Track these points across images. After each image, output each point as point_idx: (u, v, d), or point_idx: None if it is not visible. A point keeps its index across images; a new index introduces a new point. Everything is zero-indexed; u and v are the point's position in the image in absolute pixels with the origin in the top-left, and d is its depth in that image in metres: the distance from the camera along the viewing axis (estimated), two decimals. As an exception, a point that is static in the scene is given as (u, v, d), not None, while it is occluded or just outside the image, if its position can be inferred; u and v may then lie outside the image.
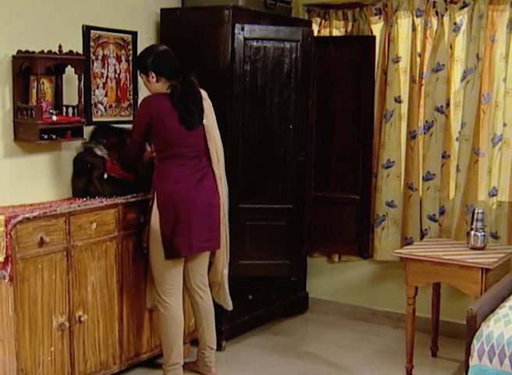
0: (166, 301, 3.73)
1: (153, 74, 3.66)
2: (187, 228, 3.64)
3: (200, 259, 3.86)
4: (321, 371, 4.12)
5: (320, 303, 5.16)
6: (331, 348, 4.47)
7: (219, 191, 3.82)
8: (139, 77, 4.29)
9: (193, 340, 4.21)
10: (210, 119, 3.79)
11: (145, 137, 3.74)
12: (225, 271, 3.99)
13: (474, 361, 3.10)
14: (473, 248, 3.97)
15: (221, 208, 3.84)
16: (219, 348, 4.23)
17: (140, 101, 4.31)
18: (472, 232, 3.99)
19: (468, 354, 3.16)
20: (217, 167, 3.81)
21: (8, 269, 3.16)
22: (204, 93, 3.79)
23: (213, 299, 4.01)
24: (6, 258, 3.16)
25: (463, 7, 4.39)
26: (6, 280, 3.17)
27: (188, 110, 3.65)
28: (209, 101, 3.81)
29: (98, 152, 3.84)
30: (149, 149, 3.89)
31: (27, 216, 3.23)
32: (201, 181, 3.72)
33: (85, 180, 3.83)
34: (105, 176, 3.82)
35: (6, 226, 3.15)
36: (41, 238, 3.31)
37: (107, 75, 4.15)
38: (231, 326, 4.41)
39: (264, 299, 4.73)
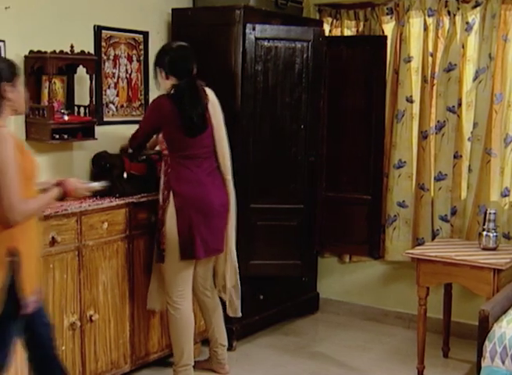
0: (178, 303, 3.73)
1: (163, 73, 3.67)
2: (204, 230, 3.64)
3: (209, 262, 3.87)
4: (331, 372, 4.11)
5: (331, 303, 5.15)
6: (342, 349, 4.46)
7: (228, 192, 3.81)
8: (150, 77, 4.33)
9: (203, 339, 4.22)
10: (217, 118, 3.75)
11: (152, 134, 3.78)
12: (232, 275, 3.93)
13: (486, 362, 3.09)
14: (485, 249, 3.95)
15: (230, 209, 3.82)
16: (230, 347, 4.22)
17: (151, 100, 4.35)
18: (484, 232, 3.97)
19: (480, 355, 3.14)
20: (224, 167, 3.79)
21: (20, 269, 3.15)
22: (210, 92, 3.75)
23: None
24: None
25: (475, 6, 4.37)
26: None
27: (188, 117, 3.60)
28: (216, 100, 3.76)
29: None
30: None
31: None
32: (214, 182, 3.72)
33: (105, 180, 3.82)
34: (125, 175, 3.83)
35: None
36: (53, 238, 3.32)
37: (118, 75, 4.16)
38: (242, 326, 4.41)
39: (275, 299, 4.73)
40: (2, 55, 3.49)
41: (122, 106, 4.21)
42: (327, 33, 4.88)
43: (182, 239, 3.62)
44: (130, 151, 3.93)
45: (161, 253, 3.70)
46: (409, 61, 4.61)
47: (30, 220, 2.77)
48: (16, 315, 2.73)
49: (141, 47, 4.29)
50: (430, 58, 4.56)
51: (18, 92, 2.77)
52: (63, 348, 3.41)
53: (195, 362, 3.99)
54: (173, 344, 3.81)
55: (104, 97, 4.08)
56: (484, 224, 3.99)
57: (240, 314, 4.02)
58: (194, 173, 3.65)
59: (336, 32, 4.93)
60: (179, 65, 3.67)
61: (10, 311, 2.71)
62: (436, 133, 4.55)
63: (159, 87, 3.77)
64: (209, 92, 3.74)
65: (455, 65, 4.44)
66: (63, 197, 2.99)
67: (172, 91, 3.63)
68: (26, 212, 2.70)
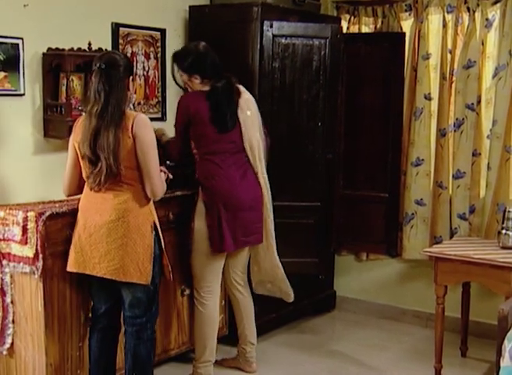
0: (206, 299, 3.76)
1: (196, 76, 3.69)
2: (233, 223, 3.67)
3: (241, 255, 3.89)
4: (350, 371, 4.09)
5: (348, 301, 5.13)
6: (359, 347, 4.44)
7: (261, 186, 3.82)
8: (167, 74, 4.33)
9: (219, 337, 4.22)
10: (251, 115, 3.78)
11: (186, 135, 3.75)
12: (276, 269, 3.97)
13: (505, 362, 3.05)
14: (504, 248, 3.91)
15: (264, 203, 3.84)
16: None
17: (168, 98, 4.36)
18: (503, 231, 3.92)
19: (499, 355, 3.11)
20: (255, 162, 3.80)
21: (39, 265, 3.18)
22: (243, 89, 3.79)
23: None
24: (36, 254, 3.19)
25: (495, 2, 4.33)
26: (36, 276, 3.20)
27: (222, 114, 3.67)
28: (251, 97, 3.82)
29: None
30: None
31: (57, 211, 3.25)
32: (244, 176, 3.75)
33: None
34: None
35: (37, 222, 3.18)
36: (70, 234, 3.33)
37: (136, 72, 4.15)
38: (259, 324, 4.38)
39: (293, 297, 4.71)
40: (20, 52, 3.51)
41: (139, 103, 4.21)
42: (345, 30, 4.86)
43: (211, 233, 3.66)
44: (172, 164, 3.81)
45: (189, 248, 3.75)
46: (427, 58, 4.57)
47: None
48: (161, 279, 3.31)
49: (158, 44, 4.30)
50: (449, 55, 4.52)
51: (133, 84, 3.32)
52: (80, 344, 3.40)
53: (221, 359, 4.00)
54: (196, 340, 3.83)
55: (121, 94, 4.09)
56: (503, 223, 3.95)
57: (291, 298, 4.11)
58: (222, 169, 3.68)
59: (354, 29, 4.91)
60: (213, 67, 3.71)
61: (160, 276, 3.28)
62: (455, 131, 4.52)
63: (188, 87, 3.79)
64: (242, 89, 3.79)
65: (474, 62, 4.40)
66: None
67: (209, 89, 3.67)
68: (164, 189, 3.25)
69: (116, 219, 3.09)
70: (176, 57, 3.81)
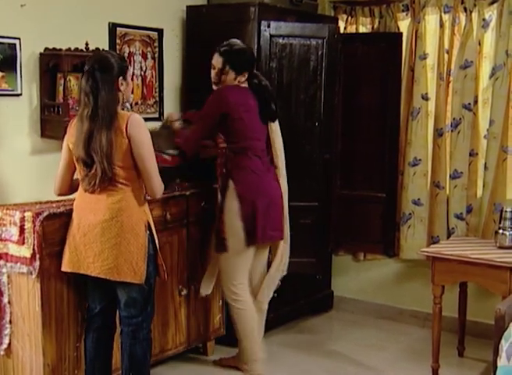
0: (241, 296, 3.74)
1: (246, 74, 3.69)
2: (263, 216, 3.66)
3: (263, 254, 3.87)
4: (347, 370, 4.09)
5: (345, 301, 5.14)
6: (356, 347, 4.44)
7: (280, 185, 3.85)
8: (165, 74, 4.33)
9: (217, 337, 4.22)
10: None
11: (214, 127, 3.72)
12: (283, 265, 3.97)
13: (502, 361, 3.05)
14: (501, 247, 3.92)
15: (284, 202, 3.87)
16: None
17: (165, 98, 4.36)
18: (500, 231, 3.93)
19: (496, 354, 3.11)
20: (279, 162, 3.84)
21: (36, 265, 3.18)
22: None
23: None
24: (33, 254, 3.18)
25: (492, 3, 4.33)
26: (33, 276, 3.20)
27: (268, 104, 3.73)
28: None
29: None
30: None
31: (54, 212, 3.25)
32: (269, 173, 3.79)
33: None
34: None
35: (34, 222, 3.17)
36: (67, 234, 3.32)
37: (133, 72, 4.16)
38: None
39: (290, 297, 4.71)
40: (17, 52, 3.51)
41: (136, 104, 4.21)
42: (342, 30, 4.87)
43: (246, 225, 3.65)
44: (175, 153, 3.80)
45: (222, 242, 3.70)
46: (424, 58, 4.58)
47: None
48: (155, 278, 3.30)
49: (156, 44, 4.29)
50: (446, 56, 4.53)
51: (127, 84, 3.18)
52: (78, 344, 3.40)
53: (220, 358, 4.01)
54: (244, 339, 3.78)
55: (118, 94, 4.08)
56: (500, 222, 3.95)
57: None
58: (254, 163, 3.71)
59: (351, 29, 4.91)
60: (251, 61, 3.77)
61: (154, 276, 3.26)
62: (452, 131, 4.52)
63: (220, 81, 3.71)
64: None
65: (471, 62, 4.41)
66: None
67: (256, 83, 3.72)
68: (163, 189, 3.23)
69: (110, 218, 3.09)
70: (233, 54, 3.71)
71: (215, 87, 3.72)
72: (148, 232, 3.18)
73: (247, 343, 3.78)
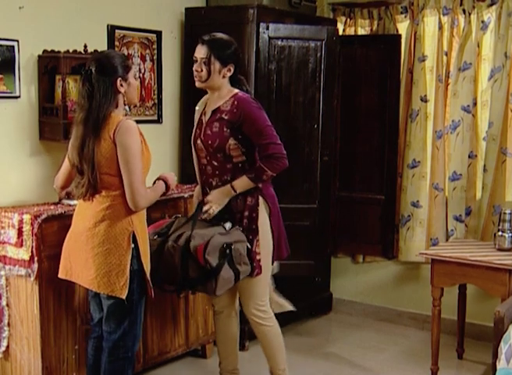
0: (270, 313, 3.51)
1: (231, 66, 3.34)
2: (284, 231, 3.54)
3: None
4: (345, 373, 4.09)
5: (344, 304, 5.13)
6: (355, 349, 4.44)
7: None
8: (164, 76, 4.32)
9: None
10: None
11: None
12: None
13: (501, 364, 3.05)
14: (500, 250, 3.91)
15: None
16: (242, 348, 4.21)
17: (164, 100, 4.35)
18: (499, 233, 3.93)
19: (495, 357, 3.11)
20: None
21: (34, 268, 3.18)
22: None
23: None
24: (31, 257, 3.18)
25: (491, 5, 4.33)
26: (31, 279, 3.20)
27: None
28: None
29: None
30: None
31: (52, 214, 3.25)
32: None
33: None
34: None
35: (32, 224, 3.18)
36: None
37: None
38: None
39: (288, 299, 4.69)
40: (16, 54, 3.50)
41: (135, 106, 4.20)
42: (341, 32, 4.87)
43: (274, 241, 3.43)
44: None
45: (257, 264, 3.36)
46: (423, 60, 4.58)
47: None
48: (142, 296, 3.08)
49: (154, 46, 4.29)
50: (445, 58, 4.53)
51: (129, 85, 3.01)
52: (76, 347, 3.40)
53: None
54: (276, 353, 3.56)
55: (117, 96, 4.08)
56: (499, 224, 3.95)
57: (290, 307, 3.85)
58: None
59: (350, 31, 4.91)
60: (236, 53, 3.42)
61: (139, 293, 3.04)
62: (451, 133, 4.52)
63: (213, 82, 3.33)
64: None
65: (470, 64, 4.41)
66: (167, 191, 3.20)
67: (242, 89, 3.39)
68: (148, 199, 2.99)
69: (93, 226, 2.94)
70: (217, 42, 3.34)
71: (200, 85, 3.35)
72: (133, 245, 2.97)
73: (279, 356, 3.57)
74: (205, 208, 3.36)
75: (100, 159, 2.91)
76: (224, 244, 3.21)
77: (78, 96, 3.06)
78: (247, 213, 3.35)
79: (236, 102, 3.30)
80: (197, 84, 3.37)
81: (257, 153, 3.34)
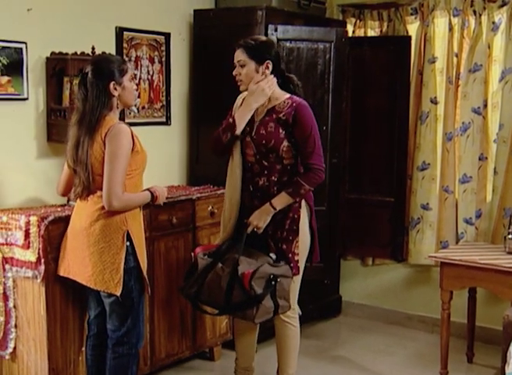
0: (296, 314, 3.60)
1: (269, 64, 3.34)
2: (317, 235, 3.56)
3: None
4: (353, 376, 4.08)
5: (353, 306, 5.11)
6: (364, 353, 4.42)
7: None
8: (172, 78, 4.32)
9: (224, 342, 4.20)
10: None
11: None
12: None
13: (510, 368, 3.01)
14: (510, 253, 3.88)
15: None
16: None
17: (172, 102, 4.35)
18: (510, 236, 3.90)
19: (505, 361, 3.09)
20: None
21: (41, 269, 3.18)
22: None
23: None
24: (38, 259, 3.19)
25: (502, 6, 4.30)
26: (38, 280, 3.20)
27: None
28: None
29: None
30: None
31: (59, 216, 3.25)
32: None
33: None
34: None
35: (39, 226, 3.18)
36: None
37: (140, 76, 4.16)
38: (263, 329, 4.37)
39: (297, 302, 4.68)
40: (24, 57, 3.51)
41: (143, 108, 4.21)
42: (350, 33, 4.85)
43: (315, 243, 3.51)
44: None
45: (295, 265, 3.42)
46: (433, 61, 4.55)
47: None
48: (142, 294, 3.16)
49: (163, 48, 4.29)
50: (455, 59, 4.50)
51: (124, 88, 3.04)
52: (83, 348, 3.39)
53: None
54: (291, 355, 3.63)
55: (125, 98, 4.08)
56: (509, 227, 3.93)
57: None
58: None
59: (360, 33, 4.90)
60: (271, 48, 3.42)
61: (139, 290, 3.12)
62: (461, 135, 4.49)
63: (251, 82, 3.34)
64: None
65: (480, 65, 4.38)
66: (153, 202, 3.19)
67: (290, 87, 3.44)
68: (122, 201, 2.97)
69: (89, 226, 3.03)
70: (249, 43, 3.35)
71: (244, 89, 3.38)
72: (128, 243, 3.05)
73: (291, 358, 3.63)
74: (249, 229, 3.37)
75: (93, 161, 3.00)
76: (271, 275, 3.25)
77: (75, 99, 3.11)
78: (291, 214, 3.38)
79: (294, 104, 3.35)
80: (241, 89, 3.41)
81: (299, 159, 3.37)
